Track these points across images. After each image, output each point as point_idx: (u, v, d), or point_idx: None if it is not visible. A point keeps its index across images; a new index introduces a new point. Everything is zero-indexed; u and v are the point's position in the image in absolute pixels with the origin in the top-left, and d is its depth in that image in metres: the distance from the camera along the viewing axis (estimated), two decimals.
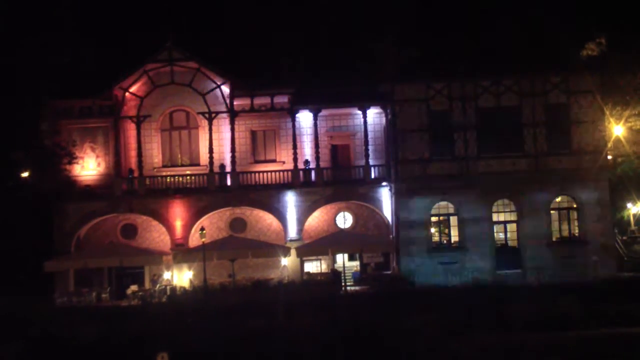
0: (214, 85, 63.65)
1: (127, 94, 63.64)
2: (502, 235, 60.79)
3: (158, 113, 64.39)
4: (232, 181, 62.75)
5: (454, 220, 60.79)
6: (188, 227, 62.59)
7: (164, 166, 64.75)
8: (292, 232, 62.45)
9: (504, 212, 60.81)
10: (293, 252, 60.60)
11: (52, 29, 61.62)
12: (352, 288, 59.64)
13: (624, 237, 66.21)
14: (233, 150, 63.00)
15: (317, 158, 62.62)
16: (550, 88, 60.54)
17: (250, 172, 63.18)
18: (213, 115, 63.37)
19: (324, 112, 63.64)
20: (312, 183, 62.71)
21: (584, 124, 60.27)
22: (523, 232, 59.98)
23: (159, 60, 63.44)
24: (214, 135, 63.45)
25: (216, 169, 63.02)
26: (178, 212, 62.64)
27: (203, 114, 63.48)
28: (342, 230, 63.03)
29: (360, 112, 63.35)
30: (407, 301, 48.58)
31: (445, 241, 61.25)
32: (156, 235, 63.96)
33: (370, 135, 63.34)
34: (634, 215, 70.77)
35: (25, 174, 60.93)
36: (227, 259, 59.08)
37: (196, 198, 62.69)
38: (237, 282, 58.94)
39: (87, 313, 51.92)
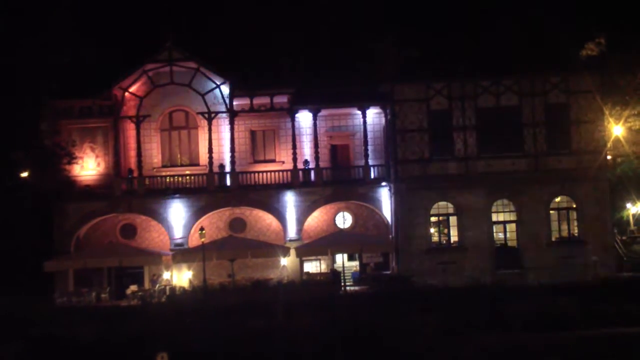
0: (214, 85, 63.64)
1: (126, 94, 63.63)
2: (501, 235, 60.83)
3: (157, 113, 64.39)
4: (231, 181, 62.75)
5: (453, 220, 60.82)
6: (187, 227, 62.59)
7: (163, 166, 64.74)
8: (292, 232, 62.45)
9: (504, 212, 60.83)
10: (292, 252, 60.60)
11: (52, 29, 61.57)
12: (352, 288, 59.66)
13: (624, 237, 66.21)
14: (232, 150, 62.99)
15: (317, 158, 62.62)
16: (550, 88, 60.55)
17: (250, 172, 63.19)
18: (212, 115, 63.36)
19: (323, 112, 63.64)
20: (312, 183, 62.70)
21: (583, 124, 60.29)
22: (522, 232, 60.01)
23: (159, 60, 63.41)
24: (214, 135, 63.45)
25: (216, 169, 63.01)
26: (177, 212, 62.63)
27: (202, 114, 63.47)
28: (341, 230, 63.04)
29: (359, 112, 63.34)
30: (407, 301, 48.54)
31: (444, 241, 61.28)
32: (156, 235, 63.97)
33: (369, 135, 63.34)
34: (634, 215, 70.77)
35: (25, 174, 60.92)
36: (226, 259, 59.09)
37: (195, 198, 62.68)
38: (237, 282, 58.94)
39: (87, 313, 51.91)
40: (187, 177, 63.29)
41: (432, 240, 60.93)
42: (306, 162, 63.04)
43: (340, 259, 63.13)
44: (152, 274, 62.09)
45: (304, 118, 63.94)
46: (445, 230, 61.27)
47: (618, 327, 43.24)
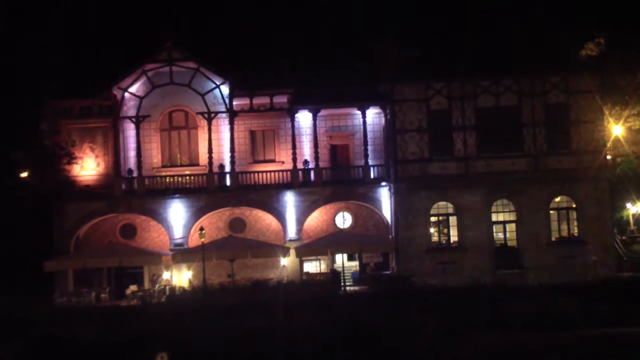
0: (213, 85, 63.62)
1: (126, 94, 63.61)
2: (501, 235, 60.81)
3: (157, 113, 64.36)
4: (231, 181, 62.74)
5: (453, 220, 60.81)
6: (187, 227, 62.57)
7: (163, 166, 64.71)
8: (292, 232, 62.44)
9: (503, 212, 60.83)
10: (292, 252, 60.59)
11: (52, 29, 61.56)
12: (352, 288, 59.64)
13: (623, 237, 66.22)
14: (232, 150, 62.98)
15: (317, 158, 62.61)
16: (549, 88, 60.56)
17: (250, 172, 63.18)
18: (212, 115, 63.34)
19: (323, 112, 63.63)
20: (311, 183, 62.69)
21: (583, 124, 60.28)
22: (522, 232, 59.99)
23: (159, 60, 63.39)
24: (213, 135, 63.44)
25: (215, 169, 62.99)
26: (177, 212, 62.62)
27: (202, 114, 63.44)
28: (341, 230, 63.03)
29: (359, 112, 63.33)
30: (407, 301, 48.56)
31: (444, 241, 61.27)
32: (155, 235, 63.96)
33: (369, 135, 63.32)
34: (633, 215, 70.77)
35: (25, 174, 60.91)
36: (226, 259, 59.07)
37: (195, 198, 62.66)
38: (237, 282, 58.94)
39: (87, 313, 51.92)
40: (187, 177, 63.27)
41: (432, 240, 60.94)
42: (306, 162, 63.02)
43: (340, 259, 63.14)
44: (152, 274, 62.07)
45: (304, 118, 63.93)
46: (445, 230, 61.27)
47: (618, 327, 43.27)
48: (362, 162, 63.07)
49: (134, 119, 63.35)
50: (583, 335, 42.22)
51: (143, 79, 63.73)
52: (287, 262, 61.03)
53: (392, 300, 49.34)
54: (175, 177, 63.29)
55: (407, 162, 60.56)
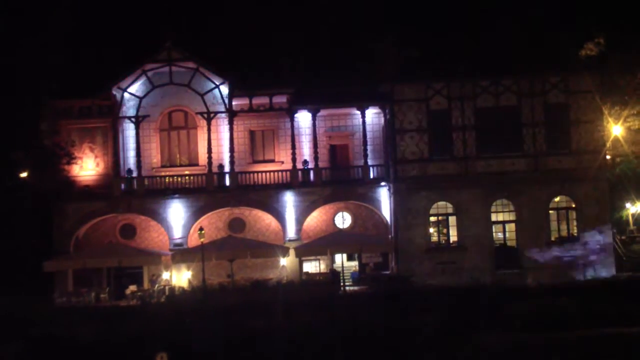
0: (213, 86, 63.60)
1: (125, 94, 63.58)
2: (501, 235, 60.79)
3: (157, 113, 64.31)
4: (230, 181, 62.71)
5: (452, 220, 60.78)
6: (187, 227, 62.53)
7: (162, 166, 64.66)
8: (291, 232, 62.41)
9: (503, 211, 60.81)
10: (292, 252, 60.57)
11: (52, 29, 61.54)
12: (351, 288, 59.63)
13: (623, 237, 66.15)
14: (232, 150, 62.95)
15: (316, 158, 62.58)
16: (549, 88, 60.57)
17: (249, 172, 63.15)
18: (212, 115, 63.32)
19: (322, 112, 63.60)
20: (311, 183, 62.66)
21: (583, 124, 60.27)
22: (522, 231, 59.96)
23: (158, 60, 63.34)
24: (213, 136, 63.40)
25: (215, 169, 62.96)
26: (177, 212, 62.58)
27: (202, 114, 63.41)
28: (340, 230, 63.00)
29: (359, 112, 63.29)
30: (406, 301, 48.63)
31: (444, 241, 61.24)
32: (155, 236, 63.93)
33: (369, 135, 63.28)
34: (633, 215, 70.75)
35: (24, 174, 60.86)
36: (226, 259, 59.01)
37: (195, 198, 62.62)
38: (236, 282, 58.92)
39: (86, 313, 52.00)
40: (187, 177, 63.24)
41: (432, 240, 60.92)
42: (305, 162, 62.99)
43: (340, 259, 63.13)
44: (152, 274, 62.04)
45: (303, 118, 63.91)
46: (445, 230, 61.24)
47: (618, 327, 43.29)
48: (361, 162, 63.04)
49: (133, 119, 63.33)
50: (583, 335, 42.25)
51: (143, 79, 63.71)
52: (286, 262, 61.01)
53: (391, 300, 49.41)
54: (175, 177, 63.25)
55: (406, 162, 60.57)
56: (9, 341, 43.33)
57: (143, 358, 40.84)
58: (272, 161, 64.56)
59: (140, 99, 63.52)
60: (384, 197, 62.41)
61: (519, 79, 60.42)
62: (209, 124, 63.11)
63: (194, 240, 61.98)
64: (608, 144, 60.70)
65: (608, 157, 61.48)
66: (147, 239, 64.00)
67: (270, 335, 43.44)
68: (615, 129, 60.79)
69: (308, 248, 60.75)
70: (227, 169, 63.16)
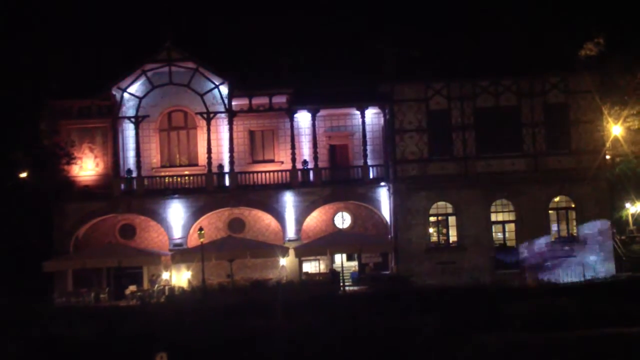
0: (213, 86, 63.57)
1: (125, 94, 63.56)
2: (500, 235, 60.78)
3: (156, 113, 64.27)
4: (230, 181, 62.68)
5: (452, 220, 60.78)
6: (186, 228, 62.50)
7: (162, 166, 64.61)
8: (291, 232, 62.38)
9: (503, 211, 60.80)
10: (291, 252, 60.52)
11: (52, 29, 61.50)
12: (351, 288, 59.57)
13: (623, 237, 66.11)
14: (231, 150, 62.93)
15: (316, 158, 62.54)
16: (549, 88, 60.58)
17: (249, 173, 63.11)
18: (211, 115, 63.29)
19: (322, 112, 63.56)
20: (311, 183, 62.63)
21: (582, 124, 60.28)
22: (522, 231, 59.94)
23: (158, 60, 63.31)
24: (212, 136, 63.36)
25: (214, 169, 62.93)
26: (176, 213, 62.54)
27: (201, 114, 63.38)
28: (340, 230, 62.95)
29: (358, 112, 63.24)
30: (406, 301, 48.65)
31: (443, 241, 61.23)
32: (155, 236, 63.90)
33: (368, 135, 63.22)
34: (633, 214, 70.74)
35: (24, 174, 60.79)
36: (225, 259, 58.94)
37: (194, 198, 62.59)
38: (236, 282, 58.88)
39: (86, 313, 51.94)
40: (186, 178, 63.20)
41: (431, 240, 60.91)
42: (305, 162, 62.96)
43: (339, 259, 63.06)
44: (151, 274, 62.01)
45: (303, 118, 63.89)
46: (444, 230, 61.24)
47: (618, 327, 43.31)
48: (361, 162, 63.00)
49: (133, 119, 63.31)
50: (583, 335, 42.27)
51: (142, 79, 63.69)
52: (286, 262, 60.95)
53: (391, 300, 49.42)
54: (175, 178, 63.21)
55: (406, 162, 60.57)
56: (9, 341, 43.35)
57: (143, 358, 40.86)
58: (272, 161, 64.52)
59: (140, 99, 63.50)
60: (384, 197, 62.39)
61: (519, 79, 60.43)
62: (208, 124, 63.09)
63: (193, 241, 61.96)
64: (608, 144, 60.70)
65: (608, 157, 61.49)
66: (146, 239, 63.97)
67: (270, 335, 43.47)
68: (615, 129, 60.78)
69: (308, 248, 60.71)
70: (226, 169, 63.14)
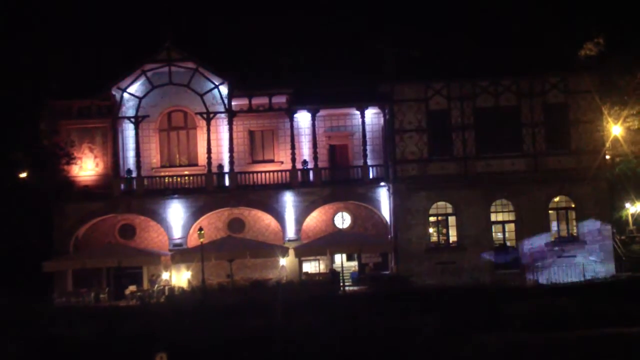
0: (212, 86, 63.55)
1: (125, 94, 63.53)
2: (500, 235, 60.78)
3: (156, 113, 64.24)
4: (230, 181, 62.66)
5: (452, 220, 60.76)
6: (186, 228, 62.46)
7: (162, 166, 64.59)
8: (291, 232, 62.36)
9: (503, 212, 60.79)
10: (291, 252, 60.49)
11: (52, 29, 61.49)
12: (351, 288, 59.59)
13: (623, 237, 66.13)
14: (231, 150, 62.91)
15: (315, 158, 62.52)
16: (548, 88, 60.58)
17: (249, 173, 63.09)
18: (211, 115, 63.27)
19: (322, 112, 63.54)
20: (310, 183, 62.61)
21: (582, 124, 60.28)
22: (521, 231, 59.94)
23: (158, 60, 63.28)
24: (212, 136, 63.33)
25: (214, 169, 62.92)
26: (176, 213, 62.52)
27: (201, 114, 63.35)
28: (340, 230, 62.93)
29: (358, 112, 63.22)
30: (406, 301, 48.72)
31: (443, 241, 61.21)
32: (154, 236, 63.88)
33: (368, 135, 63.20)
34: (632, 215, 70.74)
35: (24, 174, 60.79)
36: (225, 259, 58.92)
37: (194, 198, 62.56)
38: (236, 282, 58.88)
39: (86, 313, 51.99)
40: (186, 178, 63.17)
41: (431, 240, 60.88)
42: (305, 162, 62.95)
43: (339, 259, 63.03)
44: (151, 274, 61.99)
45: (303, 118, 63.88)
46: (444, 230, 61.22)
47: (618, 327, 43.33)
48: (361, 162, 62.97)
49: (132, 119, 63.29)
50: (583, 335, 42.30)
51: (142, 79, 63.67)
52: (286, 262, 60.92)
53: (391, 300, 49.48)
54: (174, 178, 63.19)
55: (406, 162, 60.56)
56: (9, 341, 43.35)
57: (143, 358, 40.86)
58: (272, 161, 64.50)
59: (140, 99, 63.48)
60: (384, 197, 62.37)
61: (519, 79, 60.43)
62: (208, 124, 63.07)
63: (193, 241, 61.95)
64: (608, 144, 60.72)
65: (607, 157, 61.48)
66: (146, 239, 63.96)
67: (269, 335, 43.47)
68: (615, 129, 60.79)
69: (307, 248, 60.69)
70: (226, 169, 63.13)
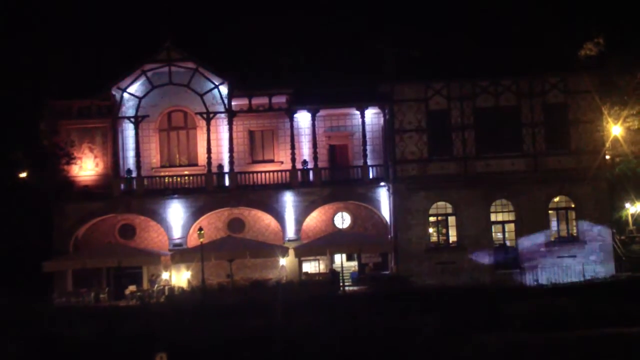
0: (212, 86, 63.55)
1: (125, 94, 63.54)
2: (500, 235, 60.76)
3: (156, 113, 64.25)
4: (230, 181, 62.66)
5: (452, 220, 60.74)
6: (186, 228, 62.47)
7: (162, 166, 64.59)
8: (290, 232, 62.35)
9: (502, 212, 60.76)
10: (291, 252, 60.48)
11: (52, 29, 61.51)
12: (351, 288, 59.61)
13: (622, 237, 66.18)
14: (231, 150, 62.91)
15: (315, 158, 62.52)
16: (548, 88, 60.56)
17: (249, 173, 63.09)
18: (211, 115, 63.27)
19: (322, 112, 63.54)
20: (310, 183, 62.60)
21: (582, 124, 60.27)
22: (521, 231, 59.92)
23: (157, 60, 63.28)
24: (212, 136, 63.34)
25: (214, 169, 62.93)
26: (176, 213, 62.52)
27: (201, 114, 63.35)
28: (340, 230, 62.93)
29: (358, 113, 63.21)
30: (406, 301, 48.70)
31: (443, 241, 61.19)
32: (154, 236, 63.87)
33: (368, 135, 63.19)
34: (632, 215, 70.77)
35: (24, 174, 60.80)
36: (225, 259, 58.94)
37: (194, 198, 62.55)
38: (236, 282, 58.89)
39: (86, 313, 51.99)
40: (186, 178, 63.17)
41: (431, 241, 60.84)
42: (305, 162, 62.94)
43: (339, 259, 63.04)
44: (151, 274, 61.99)
45: (303, 118, 63.88)
46: (444, 230, 61.19)
47: (618, 327, 43.33)
48: (361, 162, 62.98)
49: (132, 119, 63.29)
50: (583, 335, 42.29)
51: (142, 79, 63.68)
52: (286, 262, 60.93)
53: (391, 301, 49.47)
54: (174, 178, 63.19)
55: (406, 162, 60.55)
56: (9, 341, 43.34)
57: (143, 358, 40.85)
58: (272, 161, 64.51)
59: (140, 99, 63.48)
60: (384, 197, 62.37)
61: (519, 79, 60.42)
62: (208, 124, 63.07)
63: (193, 241, 61.95)
64: (607, 144, 60.70)
65: (607, 157, 61.47)
66: (146, 239, 63.95)
67: (269, 335, 43.46)
68: (615, 129, 60.78)
69: (307, 248, 60.68)
70: (226, 169, 63.13)
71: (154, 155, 64.43)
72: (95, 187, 63.26)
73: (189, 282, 60.48)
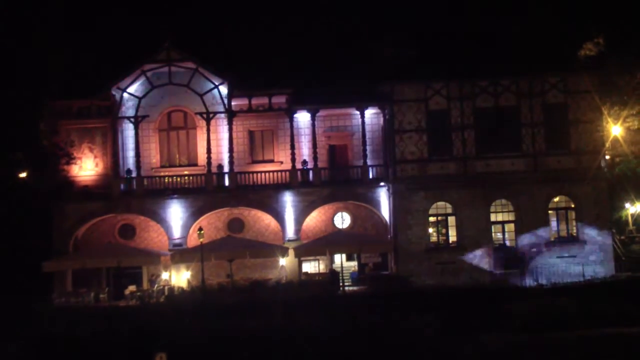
0: (212, 86, 63.54)
1: (125, 94, 63.53)
2: (500, 235, 60.76)
3: (156, 113, 64.24)
4: (230, 181, 62.65)
5: (452, 220, 60.74)
6: (186, 228, 62.45)
7: (162, 166, 64.58)
8: (290, 232, 62.34)
9: (502, 212, 60.77)
10: (291, 252, 60.48)
11: (52, 29, 61.51)
12: (350, 288, 59.63)
13: (622, 237, 66.18)
14: (231, 150, 62.90)
15: (315, 158, 62.51)
16: (548, 88, 60.59)
17: (248, 173, 63.08)
18: (211, 115, 63.26)
19: (321, 113, 63.53)
20: (310, 183, 62.60)
21: (582, 124, 60.31)
22: (521, 231, 59.92)
23: (157, 60, 63.28)
24: (212, 136, 63.32)
25: (214, 169, 62.92)
26: (176, 213, 62.51)
27: (201, 114, 63.34)
28: (340, 231, 62.92)
29: (358, 113, 63.21)
30: (406, 301, 48.77)
31: (443, 241, 61.18)
32: (154, 236, 63.86)
33: (368, 135, 63.19)
34: (632, 215, 70.75)
35: (24, 174, 60.80)
36: (225, 259, 58.95)
37: (194, 198, 62.55)
38: (235, 282, 58.88)
39: (86, 313, 52.01)
40: (186, 178, 63.17)
41: (431, 241, 60.84)
42: (304, 162, 62.94)
43: (339, 259, 63.03)
44: (151, 274, 61.99)
45: (303, 118, 63.87)
46: (444, 230, 61.19)
47: (618, 327, 43.36)
48: (360, 162, 62.97)
49: (132, 119, 63.28)
50: (583, 335, 42.31)
51: (142, 79, 63.66)
52: (285, 262, 60.91)
53: (391, 300, 49.48)
54: (174, 178, 63.18)
55: (405, 162, 60.57)
56: (8, 341, 43.34)
57: (142, 358, 40.85)
58: (272, 161, 64.50)
59: (140, 99, 63.47)
60: (383, 197, 62.37)
61: (518, 79, 60.45)
62: (208, 124, 63.06)
63: (193, 241, 61.94)
64: (607, 144, 60.70)
65: (607, 157, 61.49)
66: (146, 239, 63.94)
67: (269, 335, 43.46)
68: (615, 129, 60.74)
69: (307, 248, 60.68)
70: (226, 169, 63.13)
71: (153, 155, 64.42)
72: (95, 187, 63.26)
73: (188, 282, 60.48)
